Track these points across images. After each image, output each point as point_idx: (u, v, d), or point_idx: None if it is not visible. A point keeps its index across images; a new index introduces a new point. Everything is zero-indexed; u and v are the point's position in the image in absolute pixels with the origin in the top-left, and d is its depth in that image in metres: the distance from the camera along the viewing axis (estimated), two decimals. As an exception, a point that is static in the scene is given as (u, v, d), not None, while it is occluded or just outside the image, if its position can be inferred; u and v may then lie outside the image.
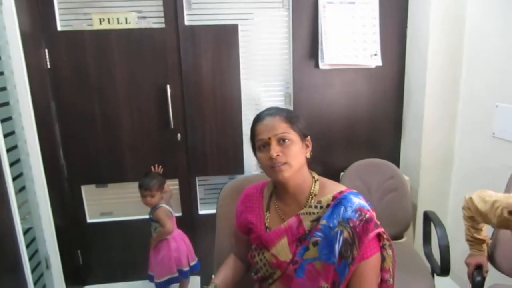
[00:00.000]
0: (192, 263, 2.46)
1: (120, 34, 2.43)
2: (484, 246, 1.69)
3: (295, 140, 1.16)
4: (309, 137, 1.22)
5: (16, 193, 1.94)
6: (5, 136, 1.89)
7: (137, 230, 2.60)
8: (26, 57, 2.11)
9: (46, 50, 2.39)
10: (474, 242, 1.67)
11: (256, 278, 1.28)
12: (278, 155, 1.12)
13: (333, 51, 2.56)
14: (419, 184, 2.62)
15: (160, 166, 2.53)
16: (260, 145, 1.17)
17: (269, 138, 1.14)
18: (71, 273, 2.59)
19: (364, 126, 2.77)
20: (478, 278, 1.66)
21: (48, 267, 2.34)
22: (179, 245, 2.39)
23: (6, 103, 2.04)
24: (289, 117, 1.18)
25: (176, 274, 2.38)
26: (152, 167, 2.51)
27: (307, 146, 1.22)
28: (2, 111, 1.93)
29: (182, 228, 2.72)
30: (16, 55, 2.07)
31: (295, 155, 1.14)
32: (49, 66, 2.41)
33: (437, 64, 2.46)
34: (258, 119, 1.21)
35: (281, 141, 1.14)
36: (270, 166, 1.14)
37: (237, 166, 2.71)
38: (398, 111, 2.79)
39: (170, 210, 2.39)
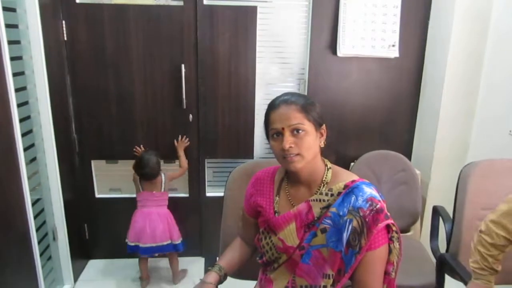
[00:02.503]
0: (146, 244, 2.41)
1: (138, 9, 2.41)
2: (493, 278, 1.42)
3: (310, 131, 1.12)
4: (324, 125, 1.18)
5: (26, 164, 1.95)
6: (19, 106, 1.90)
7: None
8: (43, 28, 2.10)
9: (64, 22, 2.37)
10: (489, 272, 1.39)
11: (261, 262, 1.28)
12: (291, 147, 1.10)
13: (351, 41, 2.52)
14: (430, 179, 2.59)
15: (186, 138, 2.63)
16: (273, 134, 1.15)
17: (283, 129, 1.11)
18: (77, 246, 2.62)
19: (378, 116, 2.73)
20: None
21: (54, 238, 2.37)
22: (137, 220, 2.45)
23: (21, 73, 2.04)
24: (305, 106, 1.13)
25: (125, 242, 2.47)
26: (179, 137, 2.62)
27: (322, 135, 1.18)
28: (17, 81, 1.92)
29: (189, 209, 2.73)
30: (34, 25, 2.06)
31: (309, 146, 1.11)
32: (65, 38, 2.40)
33: (458, 59, 2.41)
34: (273, 106, 1.17)
35: (295, 131, 1.11)
36: (282, 156, 1.12)
37: (248, 151, 2.70)
38: (413, 104, 2.74)
39: (138, 183, 2.49)
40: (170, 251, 2.49)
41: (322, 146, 1.18)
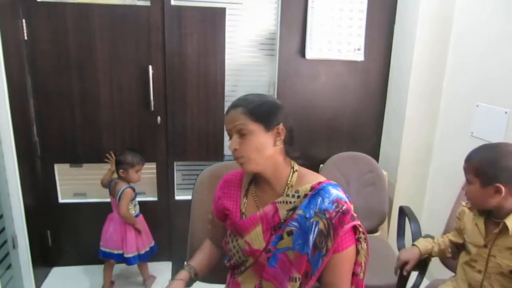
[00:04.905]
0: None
1: (103, 9, 2.34)
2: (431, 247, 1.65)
3: (256, 131, 1.10)
4: (281, 124, 1.13)
5: (-16, 168, 1.86)
6: (-25, 107, 1.81)
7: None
8: (1, 26, 2.01)
9: (24, 21, 2.28)
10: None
11: (229, 265, 1.27)
12: (236, 149, 1.12)
13: (318, 44, 2.54)
14: (396, 179, 2.64)
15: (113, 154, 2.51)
16: (228, 135, 1.17)
17: (230, 130, 1.14)
18: (40, 253, 2.52)
19: (346, 119, 2.77)
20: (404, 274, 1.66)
21: (14, 246, 2.26)
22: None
23: (-23, 74, 1.95)
24: (251, 107, 1.11)
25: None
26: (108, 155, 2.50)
27: (279, 134, 1.13)
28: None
29: (158, 213, 2.69)
30: (-10, 23, 1.97)
31: (255, 148, 1.10)
32: (26, 38, 2.31)
33: (422, 63, 2.47)
34: (228, 108, 1.18)
35: (241, 133, 1.11)
36: (235, 158, 1.15)
37: (217, 153, 2.67)
38: (380, 106, 2.79)
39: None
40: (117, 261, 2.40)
41: (279, 146, 1.14)
